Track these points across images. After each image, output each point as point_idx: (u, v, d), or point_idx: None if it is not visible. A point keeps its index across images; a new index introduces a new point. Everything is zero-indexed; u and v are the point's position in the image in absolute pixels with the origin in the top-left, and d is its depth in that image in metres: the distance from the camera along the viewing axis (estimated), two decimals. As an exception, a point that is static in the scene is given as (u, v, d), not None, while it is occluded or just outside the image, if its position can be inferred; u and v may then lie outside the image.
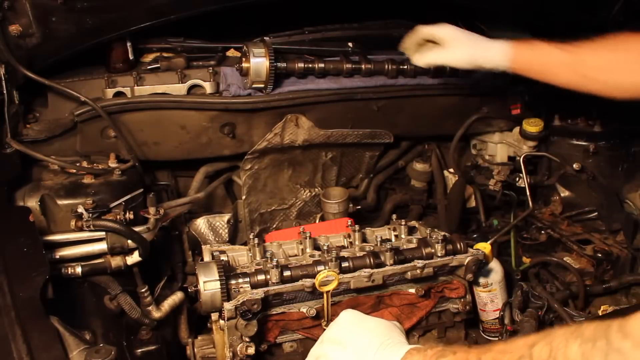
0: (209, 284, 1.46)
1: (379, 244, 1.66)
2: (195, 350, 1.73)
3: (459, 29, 1.71)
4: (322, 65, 1.97)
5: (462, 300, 1.66)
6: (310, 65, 1.96)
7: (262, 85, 1.90)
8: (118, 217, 1.62)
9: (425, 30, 1.73)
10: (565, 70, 1.57)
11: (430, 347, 1.12)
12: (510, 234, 2.22)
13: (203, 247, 1.72)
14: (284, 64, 1.94)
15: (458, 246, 1.64)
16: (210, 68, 1.93)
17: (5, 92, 1.73)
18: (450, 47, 1.68)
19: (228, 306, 1.39)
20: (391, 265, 1.55)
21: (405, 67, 2.02)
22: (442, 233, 1.68)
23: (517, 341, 0.97)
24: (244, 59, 1.90)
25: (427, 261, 1.57)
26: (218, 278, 1.46)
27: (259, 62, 1.85)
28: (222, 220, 2.13)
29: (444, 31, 1.70)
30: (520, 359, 0.91)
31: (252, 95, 1.93)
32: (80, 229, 1.58)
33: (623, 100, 1.52)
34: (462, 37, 1.68)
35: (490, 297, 1.90)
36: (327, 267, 1.51)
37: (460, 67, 1.71)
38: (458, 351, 1.05)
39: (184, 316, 1.90)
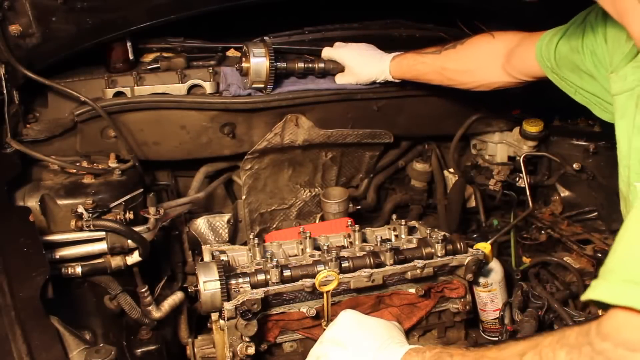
0: (209, 284, 1.46)
1: (379, 244, 1.66)
2: (195, 350, 1.74)
3: (354, 47, 1.97)
4: (322, 65, 1.99)
5: (462, 300, 1.66)
6: (310, 65, 1.98)
7: (262, 85, 1.90)
8: (118, 217, 1.62)
9: (326, 53, 1.99)
10: (434, 76, 1.86)
11: (428, 349, 1.12)
12: (510, 234, 2.22)
13: (203, 247, 1.72)
14: (284, 64, 1.94)
15: (458, 246, 1.64)
16: (210, 68, 1.93)
17: (5, 92, 1.73)
18: (352, 70, 1.95)
19: (228, 306, 1.39)
20: (391, 265, 1.55)
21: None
22: (442, 233, 1.68)
23: (509, 348, 1.00)
24: (244, 59, 1.90)
25: (427, 261, 1.57)
26: (218, 278, 1.46)
27: (259, 62, 1.86)
28: (222, 220, 2.13)
29: (340, 54, 1.96)
30: None
31: (252, 95, 1.93)
32: (80, 229, 1.58)
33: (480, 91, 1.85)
34: (356, 59, 1.94)
35: (490, 297, 1.90)
36: (327, 267, 1.51)
37: (364, 84, 1.98)
38: (455, 354, 1.06)
39: (184, 316, 1.90)
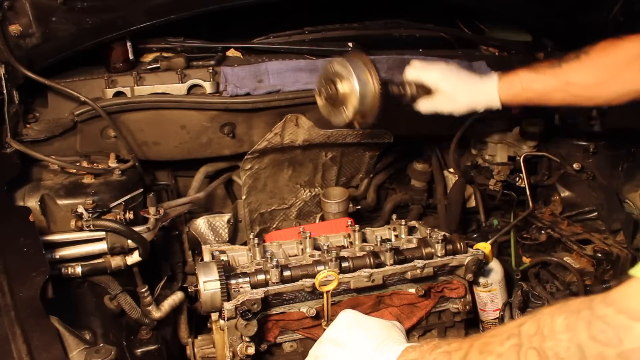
0: (209, 284, 1.46)
1: (379, 244, 1.66)
2: (195, 350, 1.74)
3: (446, 68, 1.66)
4: (410, 89, 1.64)
5: (462, 300, 1.66)
6: (400, 89, 1.62)
7: (367, 120, 1.51)
8: (118, 217, 1.62)
9: (413, 76, 1.66)
10: (557, 94, 1.59)
11: (426, 343, 1.12)
12: (510, 234, 2.22)
13: (203, 247, 1.72)
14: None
15: (458, 246, 1.64)
16: (210, 68, 1.93)
17: (5, 92, 1.73)
18: (447, 96, 1.63)
19: (228, 306, 1.39)
20: (391, 265, 1.55)
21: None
22: (442, 233, 1.68)
23: (508, 324, 0.99)
24: (330, 83, 1.47)
25: (427, 261, 1.57)
26: (218, 278, 1.46)
27: (363, 84, 1.45)
28: (222, 220, 2.13)
29: (433, 77, 1.64)
30: (510, 337, 0.93)
31: (251, 95, 1.92)
32: (80, 229, 1.58)
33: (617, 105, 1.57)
34: (453, 83, 1.63)
35: (490, 297, 1.90)
36: (327, 267, 1.51)
37: (460, 113, 1.66)
38: (453, 342, 1.06)
39: (184, 316, 1.90)
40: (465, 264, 1.61)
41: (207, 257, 1.66)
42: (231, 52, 2.11)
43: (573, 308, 0.87)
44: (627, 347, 0.79)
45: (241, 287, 1.49)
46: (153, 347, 1.64)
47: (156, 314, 1.75)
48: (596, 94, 1.56)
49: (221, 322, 1.52)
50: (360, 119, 1.50)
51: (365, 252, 1.59)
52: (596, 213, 2.20)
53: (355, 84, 1.44)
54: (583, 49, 1.57)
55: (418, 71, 1.65)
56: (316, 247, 1.71)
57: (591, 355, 0.82)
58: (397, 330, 1.30)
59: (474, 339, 1.02)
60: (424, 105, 1.66)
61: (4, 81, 1.72)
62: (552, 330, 0.87)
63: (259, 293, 1.42)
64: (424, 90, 1.63)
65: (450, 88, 1.61)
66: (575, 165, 2.23)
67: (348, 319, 1.31)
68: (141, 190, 1.79)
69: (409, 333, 1.63)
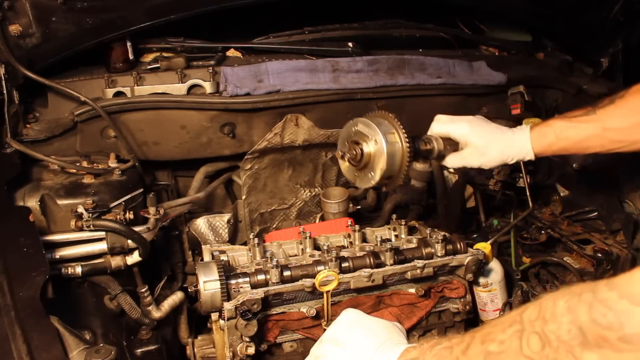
0: (209, 284, 1.45)
1: (379, 244, 1.66)
2: (195, 350, 1.74)
3: (474, 121, 1.58)
4: (437, 145, 1.57)
5: (462, 300, 1.66)
6: (428, 147, 1.56)
7: (396, 183, 1.45)
8: (118, 217, 1.62)
9: (440, 130, 1.60)
10: (594, 141, 1.53)
11: (426, 341, 1.12)
12: (510, 234, 2.22)
13: (203, 247, 1.72)
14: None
15: (458, 246, 1.64)
16: (210, 68, 1.93)
17: (5, 92, 1.73)
18: (478, 151, 1.56)
19: (228, 306, 1.39)
20: (391, 265, 1.55)
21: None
22: (442, 233, 1.68)
23: (511, 312, 0.99)
24: (354, 144, 1.40)
25: (427, 261, 1.57)
26: (218, 278, 1.46)
27: (389, 146, 1.36)
28: (222, 220, 2.13)
29: (461, 130, 1.57)
30: (512, 324, 0.93)
31: (251, 95, 1.92)
32: (80, 229, 1.58)
33: None
34: (483, 136, 1.56)
35: (490, 297, 1.90)
36: (327, 267, 1.51)
37: (490, 167, 1.60)
38: (454, 337, 1.06)
39: (184, 316, 1.90)
40: (465, 264, 1.61)
41: (207, 257, 1.66)
42: (231, 52, 2.12)
43: (575, 291, 0.86)
44: (628, 332, 0.78)
45: (241, 287, 1.49)
46: (153, 347, 1.63)
47: (156, 314, 1.75)
48: (635, 137, 1.49)
49: (221, 322, 1.52)
50: (388, 181, 1.42)
51: (365, 252, 1.59)
52: (596, 213, 2.21)
53: (383, 144, 1.36)
54: (617, 93, 1.52)
55: (445, 125, 1.59)
56: (316, 247, 1.71)
57: (592, 338, 0.81)
58: (398, 331, 1.30)
59: (476, 330, 1.02)
60: (453, 161, 1.60)
61: (4, 81, 1.72)
62: (554, 313, 0.86)
63: (259, 293, 1.42)
64: (452, 145, 1.57)
65: (481, 141, 1.55)
66: (575, 165, 2.23)
67: (350, 318, 1.31)
68: (141, 190, 1.79)
69: (409, 333, 1.63)
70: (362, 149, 1.42)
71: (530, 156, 1.56)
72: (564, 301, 0.86)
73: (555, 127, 1.54)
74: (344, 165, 1.53)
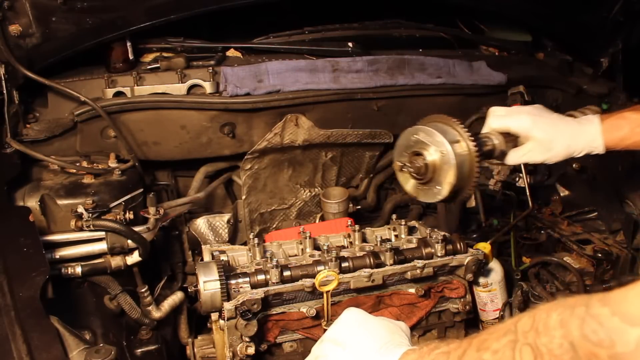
0: (209, 284, 1.46)
1: (379, 244, 1.66)
2: (195, 350, 1.74)
3: (535, 113, 1.45)
4: (498, 143, 1.41)
5: (462, 300, 1.66)
6: (489, 148, 1.40)
7: (466, 194, 1.34)
8: (118, 217, 1.62)
9: (499, 124, 1.45)
10: None
11: (426, 344, 1.12)
12: (510, 234, 2.22)
13: (203, 247, 1.72)
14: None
15: (458, 246, 1.64)
16: (210, 68, 1.93)
17: (5, 92, 1.73)
18: (543, 145, 1.43)
19: (228, 306, 1.39)
20: (391, 265, 1.55)
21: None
22: (442, 233, 1.68)
23: (507, 320, 0.98)
24: (413, 154, 1.30)
25: (427, 261, 1.57)
26: (218, 278, 1.46)
27: (457, 153, 1.25)
28: (222, 220, 2.13)
29: (523, 124, 1.43)
30: (507, 333, 0.93)
31: (251, 95, 1.92)
32: (80, 229, 1.58)
33: None
34: (547, 129, 1.42)
35: (490, 297, 1.90)
36: (327, 267, 1.51)
37: (555, 162, 1.47)
38: (452, 342, 1.06)
39: (184, 316, 1.90)
40: (465, 264, 1.61)
41: (207, 257, 1.66)
42: (231, 52, 2.12)
43: (569, 304, 0.85)
44: (619, 351, 0.77)
45: (241, 287, 1.49)
46: (153, 347, 1.63)
47: (156, 314, 1.75)
48: None
49: (221, 322, 1.52)
50: (456, 194, 1.31)
51: (365, 252, 1.59)
52: (596, 213, 2.20)
53: (451, 155, 1.23)
54: None
55: (504, 119, 1.44)
56: (316, 247, 1.71)
57: (583, 354, 0.81)
58: (400, 331, 1.29)
59: (473, 337, 1.02)
60: (514, 157, 1.45)
61: (4, 81, 1.72)
62: (547, 326, 0.86)
63: (259, 293, 1.42)
64: (511, 140, 1.43)
65: (545, 135, 1.41)
66: (575, 165, 2.23)
67: (351, 318, 1.31)
68: (141, 190, 1.79)
69: (409, 333, 1.62)
70: (425, 160, 1.29)
71: (599, 150, 1.44)
72: (557, 314, 0.85)
73: (630, 120, 1.41)
74: (404, 177, 1.40)
